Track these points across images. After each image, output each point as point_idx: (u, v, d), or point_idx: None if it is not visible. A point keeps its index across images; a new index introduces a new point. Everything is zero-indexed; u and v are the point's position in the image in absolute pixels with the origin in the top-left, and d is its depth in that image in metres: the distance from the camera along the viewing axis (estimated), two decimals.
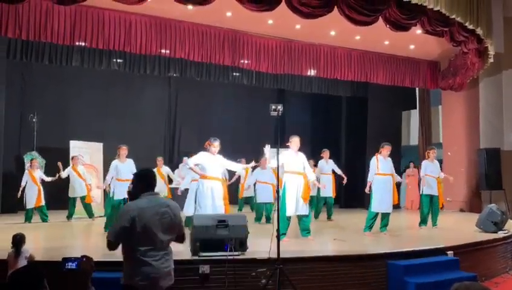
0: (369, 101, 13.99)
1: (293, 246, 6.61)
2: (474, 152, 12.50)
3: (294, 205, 7.29)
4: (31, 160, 10.43)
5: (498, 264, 7.47)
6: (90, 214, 10.55)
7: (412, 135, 16.07)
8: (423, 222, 9.19)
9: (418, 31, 9.27)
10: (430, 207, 9.22)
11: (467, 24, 8.66)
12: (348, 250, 6.49)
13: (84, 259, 2.51)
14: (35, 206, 10.03)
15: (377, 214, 8.16)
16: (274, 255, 5.38)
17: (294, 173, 7.38)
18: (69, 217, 10.46)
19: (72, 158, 10.63)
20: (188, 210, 8.52)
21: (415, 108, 14.86)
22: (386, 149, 8.29)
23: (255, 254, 5.80)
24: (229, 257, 5.50)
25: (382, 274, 5.99)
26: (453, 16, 8.36)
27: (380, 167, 8.19)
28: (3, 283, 3.86)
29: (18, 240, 5.09)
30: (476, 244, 7.14)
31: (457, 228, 9.23)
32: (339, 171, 10.93)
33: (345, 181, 10.63)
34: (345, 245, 7.06)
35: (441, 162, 14.47)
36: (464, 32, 8.97)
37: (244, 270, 5.54)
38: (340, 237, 7.76)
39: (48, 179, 10.23)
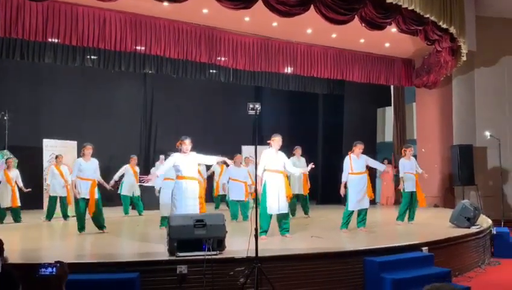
0: (345, 98, 14.13)
1: (271, 245, 6.62)
2: (447, 149, 12.75)
3: (276, 203, 7.30)
4: (7, 159, 10.17)
5: (471, 259, 7.63)
6: (65, 215, 10.35)
7: (387, 131, 16.26)
8: (400, 217, 9.32)
9: (393, 29, 9.38)
10: (409, 203, 9.36)
11: (440, 23, 8.81)
12: (325, 247, 6.52)
13: (59, 265, 2.45)
14: (11, 207, 9.80)
15: (352, 211, 8.24)
16: (252, 254, 5.37)
17: (274, 171, 7.39)
18: (49, 217, 10.22)
19: (57, 157, 10.41)
20: (163, 210, 8.46)
21: (390, 105, 15.05)
22: (359, 148, 8.35)
23: (233, 253, 5.78)
24: (207, 257, 5.47)
25: (359, 271, 6.05)
26: (427, 15, 8.49)
27: (353, 166, 8.26)
28: None
29: None
30: (449, 240, 7.26)
31: (432, 223, 9.39)
32: (306, 170, 10.78)
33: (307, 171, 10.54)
34: (322, 242, 7.10)
35: (415, 158, 14.76)
36: (438, 31, 9.12)
37: (222, 270, 5.52)
38: (317, 234, 7.80)
39: (23, 188, 10.04)
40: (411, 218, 9.31)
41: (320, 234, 7.81)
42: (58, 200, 10.31)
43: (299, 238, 7.78)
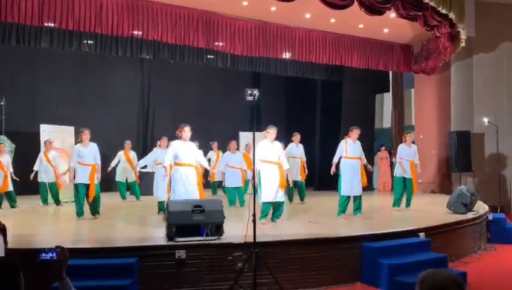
0: (344, 84, 14.08)
1: (269, 230, 6.65)
2: (445, 135, 12.77)
3: (274, 192, 7.39)
4: None
5: (467, 245, 7.70)
6: (56, 200, 10.36)
7: (385, 117, 16.26)
8: (396, 203, 9.35)
9: (392, 14, 9.32)
10: (403, 189, 9.38)
11: (439, 9, 8.74)
12: (322, 233, 6.56)
13: (59, 250, 2.46)
14: (3, 192, 9.80)
15: (348, 197, 8.25)
16: (250, 240, 5.39)
17: (269, 162, 7.49)
18: (44, 201, 10.28)
19: (45, 143, 10.39)
20: (158, 194, 8.47)
21: (388, 91, 15.03)
22: (355, 133, 8.35)
23: (231, 238, 5.81)
24: (205, 242, 5.50)
25: (356, 256, 6.10)
26: (427, 1, 8.42)
27: (348, 150, 8.27)
28: None
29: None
30: (446, 225, 7.32)
31: (429, 209, 9.45)
32: (303, 157, 10.86)
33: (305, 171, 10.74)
34: (319, 228, 7.14)
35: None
36: (437, 17, 9.06)
37: (221, 255, 5.56)
38: (314, 220, 7.84)
39: (13, 175, 10.04)
40: (408, 205, 9.35)
41: (318, 220, 7.84)
42: (47, 186, 10.31)
43: (297, 224, 7.82)
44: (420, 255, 6.25)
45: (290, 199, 10.77)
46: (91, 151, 8.33)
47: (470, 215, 8.11)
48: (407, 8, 8.57)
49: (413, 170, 9.37)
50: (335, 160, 8.40)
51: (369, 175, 9.18)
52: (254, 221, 5.41)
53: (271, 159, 7.49)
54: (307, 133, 11.51)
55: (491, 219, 8.83)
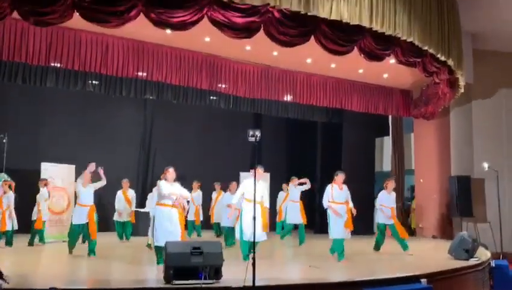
0: (344, 127, 14.18)
1: (269, 274, 6.54)
2: (445, 179, 12.75)
3: (259, 231, 7.54)
4: (4, 181, 10.10)
5: None
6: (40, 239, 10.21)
7: (385, 161, 16.31)
8: (376, 247, 9.51)
9: (391, 60, 9.50)
10: (384, 235, 9.56)
11: (438, 55, 8.93)
12: (323, 278, 6.46)
13: None
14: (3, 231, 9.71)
15: (341, 239, 8.28)
16: (249, 283, 5.30)
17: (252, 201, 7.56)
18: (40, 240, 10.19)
19: (42, 180, 10.39)
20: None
21: (388, 135, 15.14)
22: (340, 177, 8.54)
23: (229, 281, 5.71)
24: (203, 286, 5.41)
25: None
26: (426, 48, 8.61)
27: (334, 196, 8.44)
28: None
29: None
30: (449, 271, 7.21)
31: (430, 254, 9.32)
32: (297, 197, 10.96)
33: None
34: (320, 272, 7.04)
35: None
36: (436, 63, 9.24)
37: None
38: (314, 263, 7.73)
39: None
40: (404, 248, 9.36)
41: (318, 263, 7.73)
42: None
43: (297, 268, 7.71)
44: None
45: (282, 237, 10.79)
46: (90, 192, 8.53)
47: (472, 261, 8.00)
48: (407, 55, 8.75)
49: (394, 215, 9.51)
50: (325, 206, 8.54)
51: (368, 219, 9.36)
52: (254, 263, 5.33)
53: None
54: (307, 175, 11.47)
55: (494, 265, 8.69)
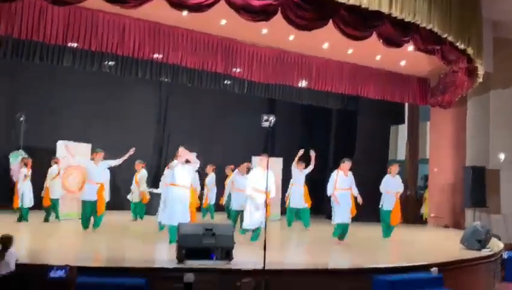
0: (359, 114, 14.06)
1: (279, 258, 6.59)
2: (460, 169, 12.63)
3: (257, 217, 7.86)
4: (23, 159, 10.26)
5: (481, 283, 7.54)
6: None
7: (400, 149, 16.19)
8: (386, 234, 9.45)
9: (410, 47, 9.37)
10: (389, 221, 9.56)
11: (458, 44, 8.78)
12: (333, 263, 6.48)
13: (68, 268, 2.48)
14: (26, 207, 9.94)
15: (344, 224, 8.58)
16: (259, 266, 5.35)
17: (257, 190, 7.97)
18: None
19: (54, 159, 10.53)
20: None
21: (404, 123, 14.98)
22: (347, 165, 8.81)
23: (240, 264, 5.77)
24: (215, 266, 5.47)
25: (367, 289, 5.99)
26: (445, 35, 8.47)
27: (338, 182, 8.68)
28: None
29: (4, 242, 4.96)
30: (460, 261, 7.19)
31: (442, 244, 9.29)
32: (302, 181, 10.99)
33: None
34: (329, 259, 7.07)
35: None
36: (455, 52, 9.10)
37: (230, 280, 5.50)
38: (323, 249, 7.76)
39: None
40: (388, 234, 9.47)
41: (327, 249, 7.76)
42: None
43: (307, 253, 7.75)
44: None
45: (289, 223, 10.90)
46: (101, 170, 8.90)
47: (484, 252, 7.95)
48: (426, 42, 8.62)
49: (397, 202, 9.57)
50: (329, 192, 8.80)
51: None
52: (265, 247, 5.37)
53: (259, 187, 7.92)
54: (320, 161, 11.44)
55: (506, 257, 8.64)
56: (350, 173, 8.82)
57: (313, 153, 10.46)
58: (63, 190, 10.47)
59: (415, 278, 6.27)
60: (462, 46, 8.87)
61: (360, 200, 8.79)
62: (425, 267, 6.62)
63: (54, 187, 10.24)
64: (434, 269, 6.60)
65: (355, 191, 8.78)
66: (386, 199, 9.56)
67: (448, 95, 11.89)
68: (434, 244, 9.24)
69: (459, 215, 12.65)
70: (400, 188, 9.76)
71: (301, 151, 10.69)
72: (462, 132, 12.79)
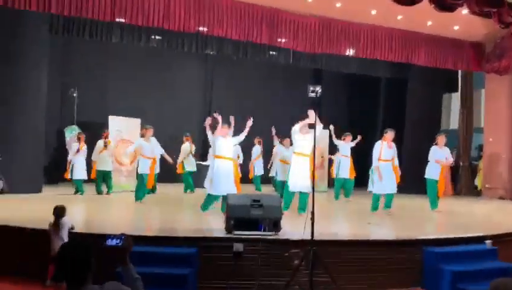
0: (409, 82, 13.63)
1: (327, 229, 6.59)
2: None
3: (299, 183, 7.74)
4: (79, 134, 10.67)
5: None
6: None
7: (452, 118, 15.60)
8: (434, 205, 9.12)
9: (463, 11, 8.91)
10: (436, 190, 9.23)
11: None
12: (382, 234, 6.42)
13: (124, 237, 2.57)
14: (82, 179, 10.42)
15: (379, 195, 8.61)
16: (308, 237, 5.36)
17: (301, 154, 7.89)
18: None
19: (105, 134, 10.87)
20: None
21: (457, 91, 14.39)
22: (390, 135, 8.70)
23: (288, 234, 5.81)
24: (263, 237, 5.54)
25: (418, 260, 5.90)
26: None
27: (382, 153, 8.59)
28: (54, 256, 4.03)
29: (57, 212, 5.25)
30: None
31: (496, 216, 8.98)
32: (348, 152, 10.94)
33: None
34: (379, 229, 7.00)
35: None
36: None
37: (278, 251, 5.57)
38: (372, 220, 7.68)
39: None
40: (435, 206, 9.13)
41: (377, 221, 7.68)
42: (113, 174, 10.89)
43: (356, 224, 7.70)
44: (486, 264, 5.95)
45: (336, 197, 10.94)
46: (152, 146, 9.22)
47: None
48: (481, 4, 8.18)
49: (442, 173, 9.30)
50: (374, 163, 8.73)
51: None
52: (312, 218, 5.37)
53: (304, 151, 7.86)
54: (368, 133, 11.28)
55: None
56: (393, 145, 8.74)
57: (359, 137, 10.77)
58: (116, 162, 10.84)
59: (468, 250, 6.11)
60: None
61: (398, 171, 8.75)
62: (479, 239, 6.42)
63: (101, 160, 10.59)
64: (488, 241, 6.39)
65: (396, 162, 8.76)
66: (433, 169, 9.23)
67: (505, 60, 11.31)
68: (488, 216, 8.94)
69: None
70: (447, 159, 9.36)
71: (332, 127, 10.65)
72: None
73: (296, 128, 7.96)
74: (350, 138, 10.93)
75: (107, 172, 10.65)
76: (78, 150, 10.37)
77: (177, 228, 6.85)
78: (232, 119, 8.03)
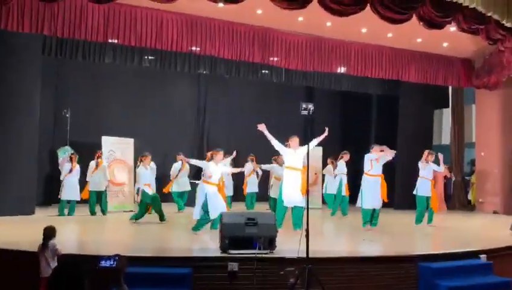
0: (400, 99, 13.74)
1: (323, 246, 6.56)
2: (508, 153, 12.17)
3: (292, 196, 7.79)
4: (71, 155, 10.61)
5: None
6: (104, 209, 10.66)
7: (444, 134, 15.72)
8: (418, 221, 9.27)
9: (452, 28, 9.05)
10: (425, 208, 9.34)
11: (503, 22, 8.41)
12: (378, 251, 6.41)
13: (118, 258, 2.56)
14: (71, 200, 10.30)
15: (370, 210, 8.59)
16: (303, 255, 5.35)
17: (292, 168, 7.99)
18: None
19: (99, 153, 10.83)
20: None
21: (448, 106, 14.54)
22: (375, 150, 8.84)
23: (283, 252, 5.79)
24: (258, 255, 5.51)
25: (413, 277, 5.90)
26: (490, 14, 8.14)
27: (374, 168, 8.68)
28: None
29: (46, 233, 5.16)
30: (510, 248, 6.94)
31: (490, 230, 9.01)
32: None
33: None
34: (374, 246, 6.99)
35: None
36: (501, 30, 8.72)
37: (273, 269, 5.54)
38: (367, 236, 7.67)
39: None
40: (430, 220, 9.28)
41: (372, 237, 7.67)
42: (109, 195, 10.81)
43: (351, 240, 7.69)
44: (481, 279, 5.97)
45: (333, 213, 11.01)
46: (149, 172, 9.62)
47: None
48: (469, 22, 8.31)
49: (433, 189, 9.46)
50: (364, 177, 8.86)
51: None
52: (307, 235, 5.36)
53: (294, 165, 8.03)
54: (361, 149, 11.30)
55: None
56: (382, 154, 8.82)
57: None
58: (109, 182, 10.76)
59: (463, 265, 6.11)
60: (508, 25, 8.49)
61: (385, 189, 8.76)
62: (474, 254, 6.43)
63: (94, 180, 10.50)
64: (483, 256, 6.41)
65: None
66: (421, 185, 9.37)
67: (494, 76, 11.46)
68: (482, 230, 8.97)
69: (509, 201, 12.20)
70: (438, 171, 9.67)
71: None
72: (509, 114, 12.30)
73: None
74: (347, 156, 11.08)
75: (101, 192, 10.59)
76: (70, 170, 10.31)
77: (171, 248, 6.81)
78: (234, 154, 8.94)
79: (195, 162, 8.55)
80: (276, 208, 10.07)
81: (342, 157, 11.07)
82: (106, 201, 10.64)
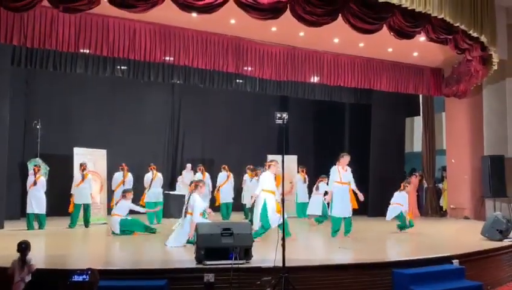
0: (373, 107, 13.97)
1: (299, 255, 6.58)
2: (478, 159, 12.46)
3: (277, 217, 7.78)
4: (34, 166, 10.38)
5: (504, 273, 7.43)
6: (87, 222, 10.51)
7: (416, 141, 16.03)
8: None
9: (421, 38, 9.26)
10: (404, 219, 9.54)
11: (471, 32, 8.66)
12: (353, 258, 6.46)
13: (90, 272, 2.51)
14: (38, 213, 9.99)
15: (340, 218, 8.62)
16: (279, 264, 5.35)
17: (269, 191, 8.14)
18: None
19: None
20: None
21: (419, 114, 14.84)
22: (345, 159, 8.88)
23: (260, 262, 5.77)
24: (234, 266, 5.48)
25: (387, 283, 5.96)
26: (457, 24, 8.36)
27: (340, 177, 8.71)
28: None
29: (22, 248, 5.05)
30: (481, 252, 7.09)
31: (462, 235, 9.19)
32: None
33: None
34: (349, 253, 7.04)
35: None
36: (468, 40, 8.96)
37: (249, 279, 5.52)
38: (342, 244, 7.73)
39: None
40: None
41: (347, 245, 7.73)
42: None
43: (327, 249, 7.73)
44: (454, 283, 6.07)
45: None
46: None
47: (506, 242, 7.84)
48: (437, 32, 8.50)
49: (407, 212, 9.69)
50: (330, 188, 8.94)
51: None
52: (283, 245, 5.37)
53: (271, 188, 8.19)
54: (335, 157, 11.42)
55: None
56: (348, 169, 8.84)
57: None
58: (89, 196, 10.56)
59: (436, 271, 6.21)
60: (475, 34, 8.75)
61: (361, 196, 8.76)
62: (447, 259, 6.55)
63: (79, 193, 10.34)
64: (455, 261, 6.53)
65: (353, 186, 8.79)
66: (392, 211, 9.71)
67: (463, 84, 11.74)
68: (454, 236, 9.14)
69: (479, 206, 12.48)
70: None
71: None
72: (478, 121, 12.60)
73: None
74: (325, 180, 11.03)
75: (86, 205, 10.41)
76: (35, 183, 10.04)
77: (146, 260, 6.71)
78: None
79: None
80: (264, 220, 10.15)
81: (321, 180, 11.22)
82: (89, 214, 10.48)
